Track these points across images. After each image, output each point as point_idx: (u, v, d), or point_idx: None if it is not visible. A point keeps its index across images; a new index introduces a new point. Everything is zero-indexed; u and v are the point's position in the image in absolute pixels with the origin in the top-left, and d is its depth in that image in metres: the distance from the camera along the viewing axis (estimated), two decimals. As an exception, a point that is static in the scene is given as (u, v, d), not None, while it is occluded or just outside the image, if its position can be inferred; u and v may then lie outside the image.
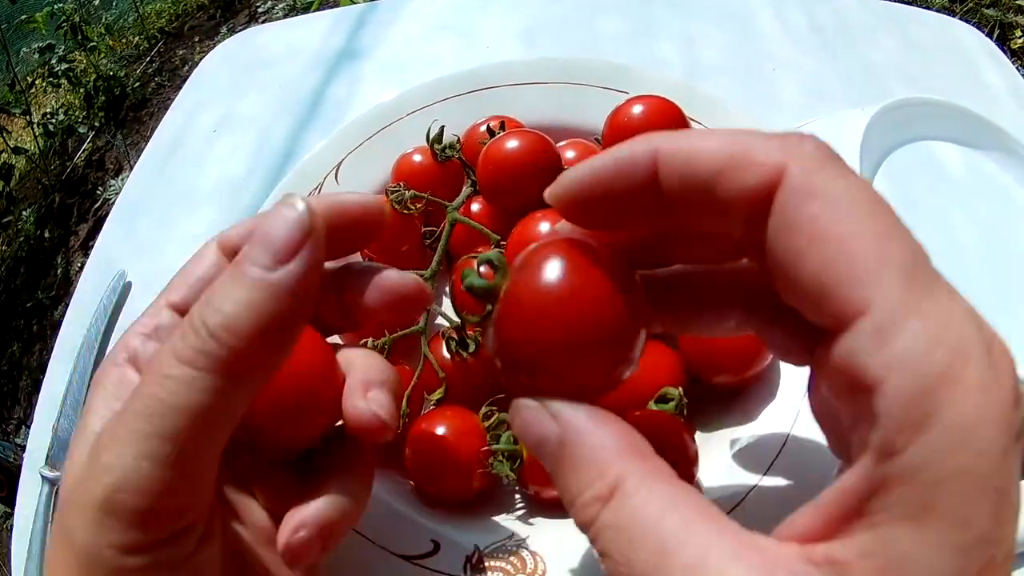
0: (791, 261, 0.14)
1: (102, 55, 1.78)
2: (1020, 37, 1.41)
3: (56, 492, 0.40)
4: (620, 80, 0.44)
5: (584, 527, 0.16)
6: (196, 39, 1.82)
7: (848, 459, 0.18)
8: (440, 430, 0.30)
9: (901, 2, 0.61)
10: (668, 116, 0.38)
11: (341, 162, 0.43)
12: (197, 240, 0.25)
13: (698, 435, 0.32)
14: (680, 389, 0.29)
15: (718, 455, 0.31)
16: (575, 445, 0.17)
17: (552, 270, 0.18)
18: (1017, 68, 0.54)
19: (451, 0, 0.63)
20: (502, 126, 0.38)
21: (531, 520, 0.31)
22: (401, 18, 0.63)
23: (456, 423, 0.30)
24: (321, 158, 0.43)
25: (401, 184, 0.36)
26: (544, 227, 0.31)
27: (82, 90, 1.65)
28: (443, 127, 0.39)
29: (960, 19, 0.61)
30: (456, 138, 0.40)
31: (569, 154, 0.39)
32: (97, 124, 1.62)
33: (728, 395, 0.33)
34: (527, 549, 0.29)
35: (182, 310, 0.21)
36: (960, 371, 0.12)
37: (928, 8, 1.33)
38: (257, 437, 0.22)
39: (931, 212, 0.43)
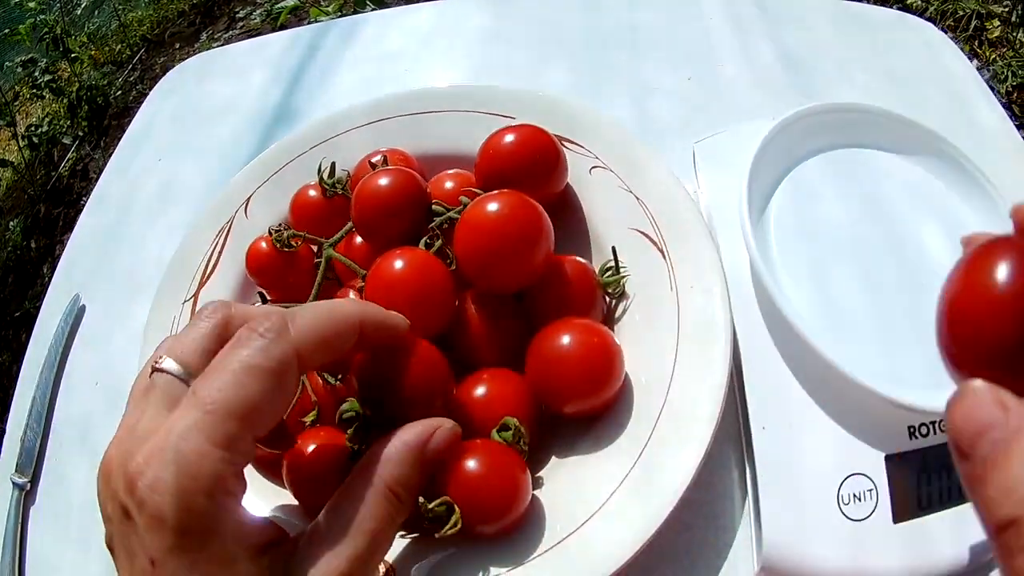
0: None
1: (85, 64, 1.81)
2: (998, 27, 1.40)
3: (24, 496, 0.45)
4: (507, 105, 0.45)
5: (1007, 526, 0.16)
6: (177, 46, 1.84)
7: None
8: (311, 447, 0.33)
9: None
10: (539, 146, 0.40)
11: (250, 197, 0.46)
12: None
13: (553, 460, 0.34)
14: (516, 420, 0.31)
15: (567, 481, 0.33)
16: None
17: None
18: (994, 59, 0.50)
19: (402, 47, 0.63)
20: (385, 160, 0.40)
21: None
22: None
23: (331, 441, 0.33)
24: (232, 193, 0.46)
25: (282, 224, 0.39)
26: (399, 264, 0.33)
27: (65, 100, 1.69)
28: (333, 163, 0.42)
29: (938, 8, 0.57)
30: (346, 172, 0.42)
31: (448, 184, 0.41)
32: (80, 133, 1.65)
33: (585, 423, 0.34)
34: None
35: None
36: None
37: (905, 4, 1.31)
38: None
39: (851, 219, 0.40)
